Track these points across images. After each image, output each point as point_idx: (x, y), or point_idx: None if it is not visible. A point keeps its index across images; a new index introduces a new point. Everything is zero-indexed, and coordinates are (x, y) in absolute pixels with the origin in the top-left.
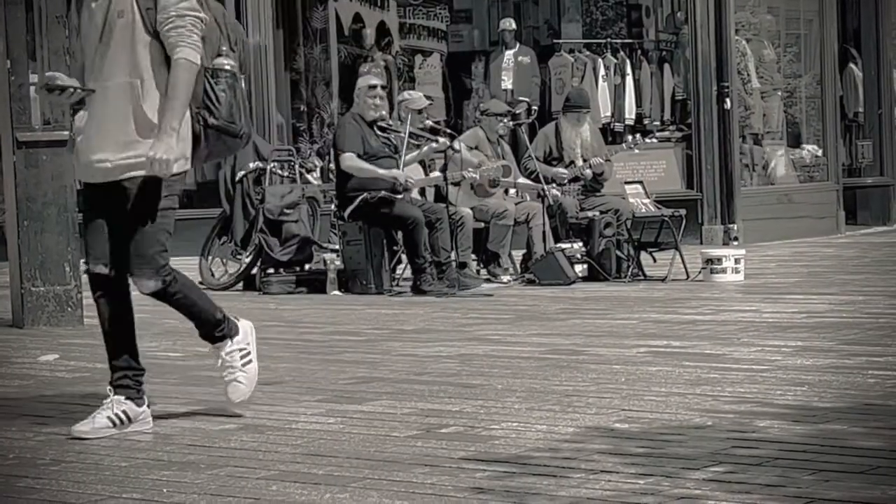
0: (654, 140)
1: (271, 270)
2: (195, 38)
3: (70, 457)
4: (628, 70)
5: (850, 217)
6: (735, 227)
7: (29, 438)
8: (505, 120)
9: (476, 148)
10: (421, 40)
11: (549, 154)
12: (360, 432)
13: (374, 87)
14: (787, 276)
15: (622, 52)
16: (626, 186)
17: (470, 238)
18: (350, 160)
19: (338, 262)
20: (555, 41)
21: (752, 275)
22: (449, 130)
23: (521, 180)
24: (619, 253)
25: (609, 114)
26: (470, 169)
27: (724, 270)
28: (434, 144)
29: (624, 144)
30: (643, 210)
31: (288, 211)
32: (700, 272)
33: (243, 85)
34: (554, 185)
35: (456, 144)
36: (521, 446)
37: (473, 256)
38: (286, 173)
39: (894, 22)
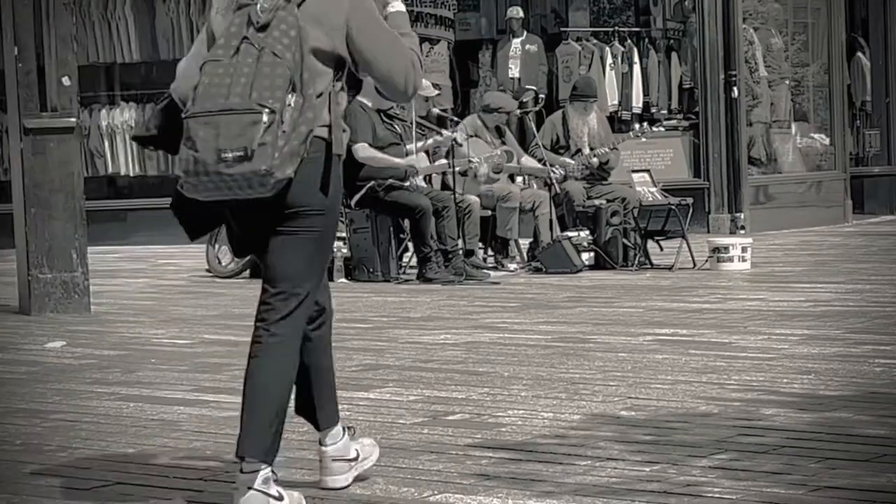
0: (662, 129)
1: None
2: None
3: (77, 443)
4: (636, 58)
5: (858, 206)
6: (742, 216)
7: (35, 425)
8: (499, 114)
9: (475, 135)
10: (428, 28)
11: (556, 142)
12: (367, 419)
13: None
14: (793, 265)
15: (629, 41)
16: (633, 175)
17: (477, 226)
18: (363, 150)
19: (344, 250)
20: (562, 29)
21: (759, 263)
22: (456, 119)
23: (525, 159)
24: (625, 241)
25: (616, 102)
26: (474, 157)
27: (730, 259)
28: (438, 138)
29: (631, 133)
30: (650, 198)
31: None
32: (707, 261)
33: None
34: (557, 166)
35: (460, 136)
36: (527, 433)
37: (480, 245)
38: None
39: None
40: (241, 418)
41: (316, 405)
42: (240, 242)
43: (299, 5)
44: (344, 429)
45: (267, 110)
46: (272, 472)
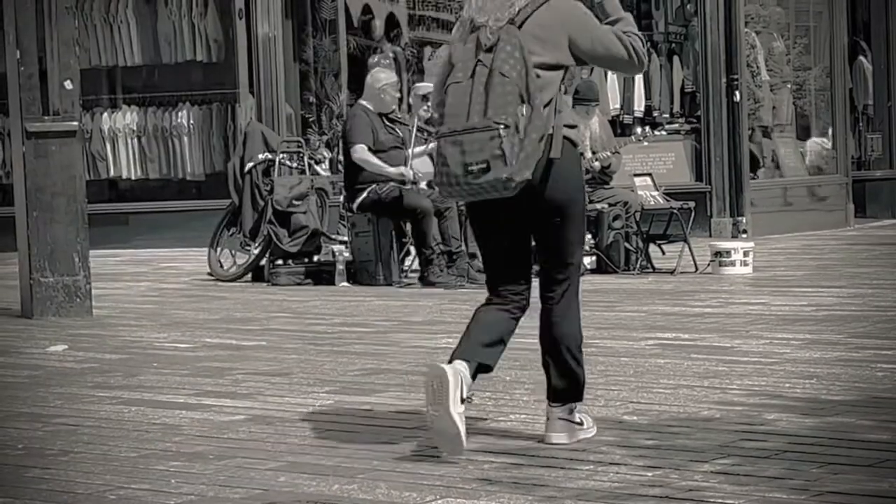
0: (664, 132)
1: (280, 262)
2: None
3: (79, 447)
4: None
5: (860, 210)
6: (744, 220)
7: (37, 429)
8: None
9: None
10: (430, 32)
11: None
12: (369, 423)
13: (399, 83)
14: (795, 269)
15: None
16: (635, 179)
17: None
18: (361, 153)
19: (346, 254)
20: None
21: (761, 267)
22: None
23: None
24: (627, 245)
25: (618, 106)
26: None
27: (732, 263)
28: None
29: (633, 136)
30: (652, 202)
31: (297, 202)
32: (709, 265)
33: None
34: None
35: None
36: (529, 438)
37: None
38: (295, 164)
39: None
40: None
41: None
42: (488, 231)
43: (520, 26)
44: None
45: (502, 126)
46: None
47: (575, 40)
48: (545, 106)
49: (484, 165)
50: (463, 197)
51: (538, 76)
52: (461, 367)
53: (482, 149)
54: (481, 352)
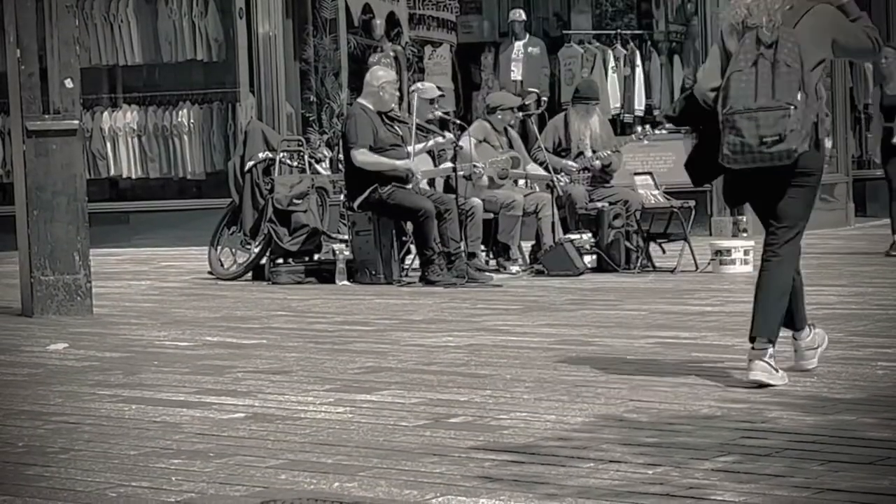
0: (664, 131)
1: (280, 260)
2: None
3: (79, 445)
4: (638, 61)
5: (860, 209)
6: (744, 219)
7: (38, 427)
8: (517, 113)
9: (484, 140)
10: (430, 31)
11: (558, 145)
12: (369, 422)
13: (398, 80)
14: None
15: (632, 44)
16: (636, 177)
17: (479, 228)
18: (362, 156)
19: (347, 252)
20: (564, 32)
21: None
22: (458, 121)
23: (531, 167)
24: (628, 244)
25: (618, 105)
26: (480, 162)
27: (733, 262)
28: (440, 139)
29: (634, 135)
30: (652, 201)
31: (297, 201)
32: (709, 263)
33: None
34: (562, 173)
35: (464, 141)
36: (529, 436)
37: (483, 247)
38: (296, 163)
39: None
40: (755, 313)
41: (794, 310)
42: (739, 197)
43: (794, 27)
44: (809, 326)
45: (792, 107)
46: (773, 351)
47: (838, 40)
48: (815, 92)
49: (777, 137)
50: (748, 164)
51: (808, 69)
52: (765, 356)
53: (775, 124)
54: (769, 328)
